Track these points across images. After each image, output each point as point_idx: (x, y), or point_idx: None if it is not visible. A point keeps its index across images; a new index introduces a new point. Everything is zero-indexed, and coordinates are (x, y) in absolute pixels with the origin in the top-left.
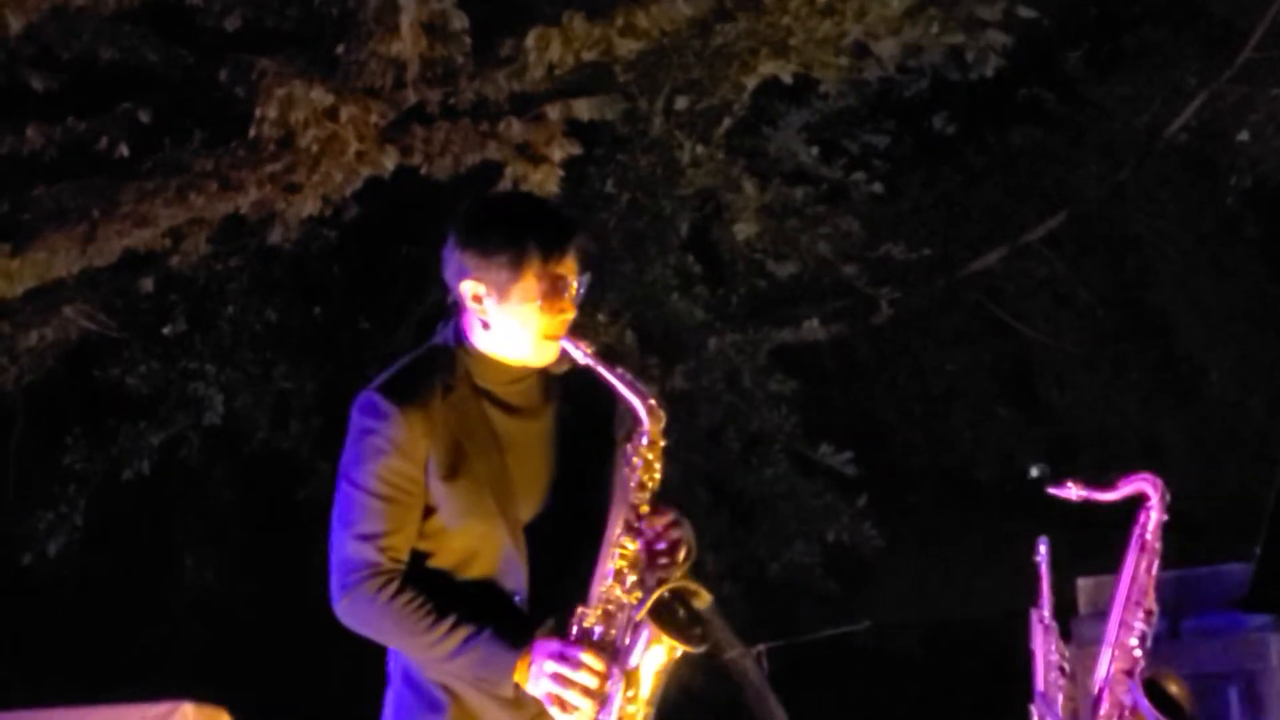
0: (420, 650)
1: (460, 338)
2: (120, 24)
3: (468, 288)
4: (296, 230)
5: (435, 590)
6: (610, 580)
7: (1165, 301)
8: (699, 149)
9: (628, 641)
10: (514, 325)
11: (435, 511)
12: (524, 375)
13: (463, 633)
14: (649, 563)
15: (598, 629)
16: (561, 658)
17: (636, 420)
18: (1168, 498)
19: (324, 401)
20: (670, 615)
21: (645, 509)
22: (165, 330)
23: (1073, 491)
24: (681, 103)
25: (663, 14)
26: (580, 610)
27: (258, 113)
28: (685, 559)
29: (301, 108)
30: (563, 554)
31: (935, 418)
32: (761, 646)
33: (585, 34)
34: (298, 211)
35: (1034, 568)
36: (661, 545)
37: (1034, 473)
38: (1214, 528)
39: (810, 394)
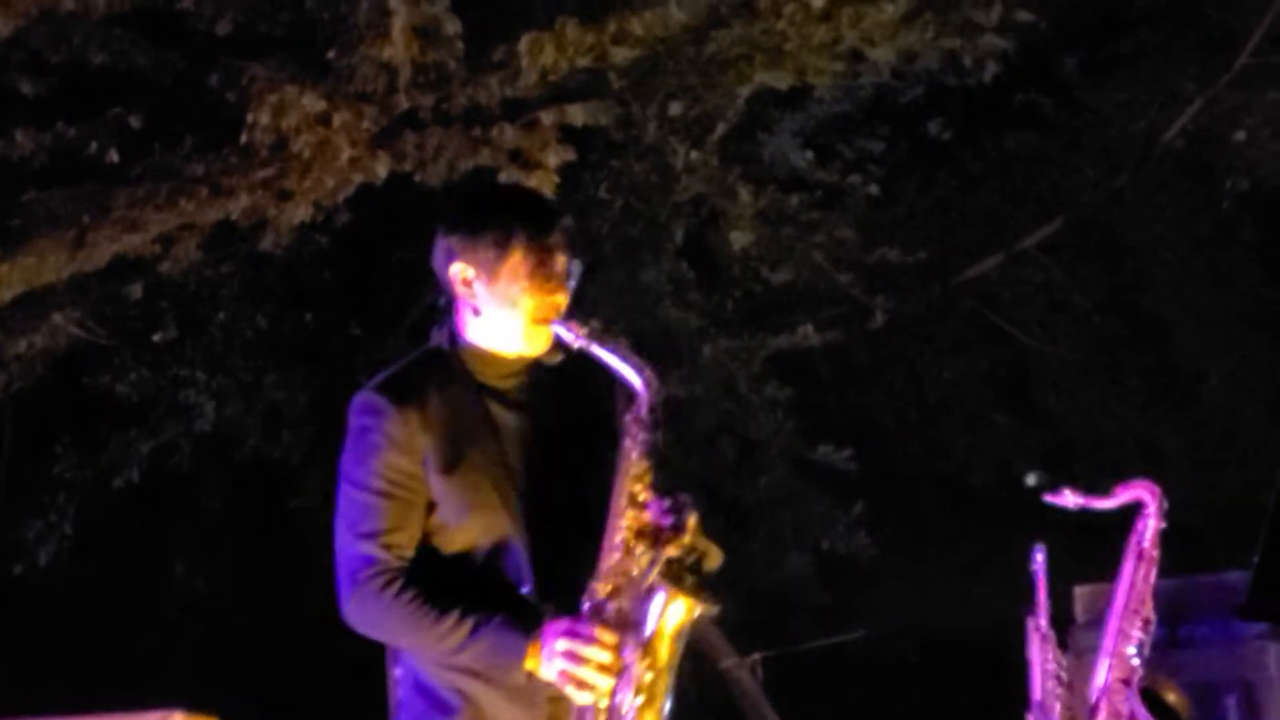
0: (429, 645)
1: (454, 338)
2: (110, 28)
3: (457, 271)
4: (288, 237)
5: (441, 585)
6: (618, 553)
7: (1162, 307)
8: (693, 155)
9: (641, 610)
10: (504, 308)
11: (437, 507)
12: (519, 368)
13: (471, 623)
14: (656, 532)
15: (610, 605)
16: (573, 634)
17: (634, 393)
18: (1165, 505)
19: (315, 409)
20: (682, 576)
21: (648, 480)
22: (155, 337)
23: (1069, 499)
24: (676, 108)
25: (656, 20)
26: (591, 586)
27: (249, 118)
28: (693, 525)
29: (293, 113)
30: (567, 544)
31: (931, 424)
32: (757, 655)
33: (579, 40)
34: (289, 218)
35: (1031, 575)
36: (667, 515)
37: (1031, 480)
38: (1212, 535)
39: (806, 401)
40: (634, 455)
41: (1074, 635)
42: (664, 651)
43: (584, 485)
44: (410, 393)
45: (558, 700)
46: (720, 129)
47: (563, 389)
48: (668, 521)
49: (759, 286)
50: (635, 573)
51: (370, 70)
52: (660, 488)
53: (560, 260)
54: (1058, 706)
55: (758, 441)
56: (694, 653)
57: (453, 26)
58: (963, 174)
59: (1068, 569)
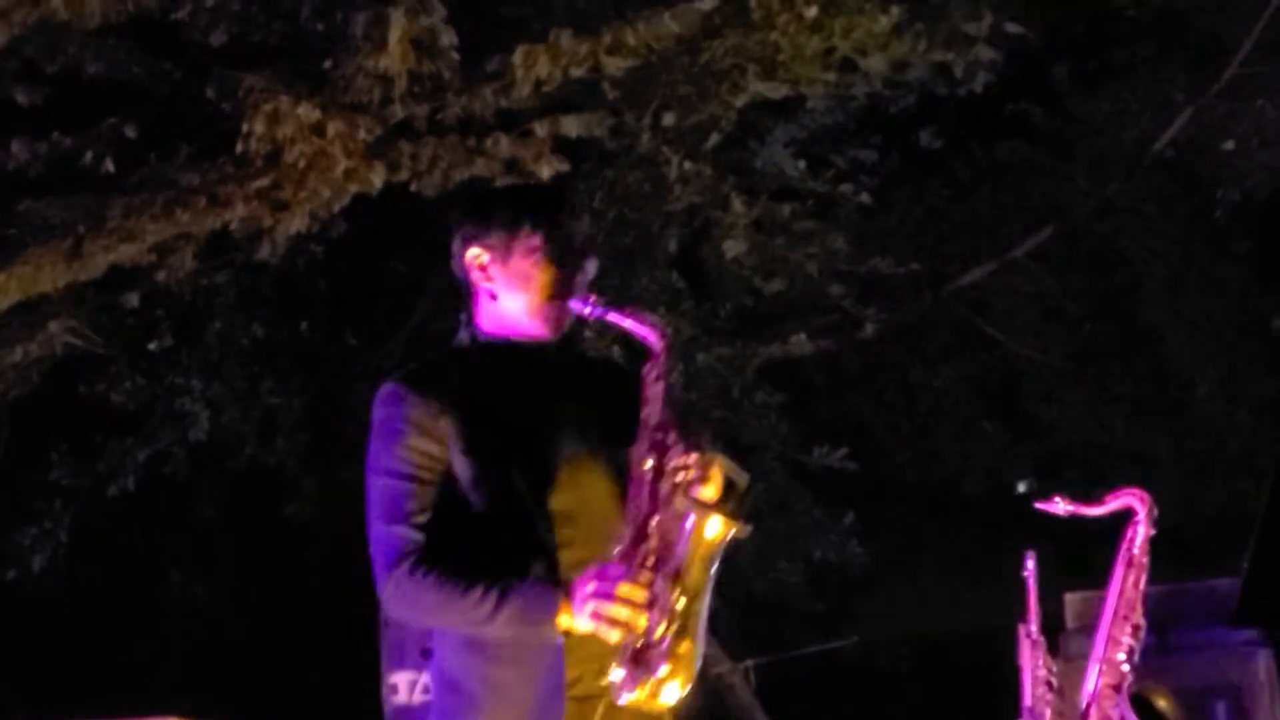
0: (464, 615)
1: (475, 334)
2: (106, 38)
3: (472, 257)
4: (284, 246)
5: (471, 564)
6: (645, 496)
7: (1153, 316)
8: (686, 165)
9: (671, 540)
10: (519, 287)
11: (462, 488)
12: (539, 354)
13: (500, 588)
14: (680, 467)
15: (640, 546)
16: (601, 576)
17: (650, 350)
18: (1155, 513)
19: (311, 417)
20: (708, 497)
21: (670, 426)
22: (151, 346)
23: (1060, 506)
24: (669, 118)
25: (651, 31)
26: (620, 532)
27: (244, 128)
28: (716, 455)
29: (288, 124)
30: (592, 524)
31: (923, 432)
32: (749, 662)
33: (573, 51)
34: (285, 228)
35: (1022, 582)
36: (689, 451)
37: (1021, 488)
38: (1202, 542)
39: (798, 409)
40: (653, 403)
41: (1065, 641)
42: (697, 577)
43: (608, 466)
44: (430, 380)
45: (588, 699)
46: (713, 139)
47: (585, 376)
48: (690, 454)
49: (752, 296)
50: (662, 507)
51: (366, 81)
52: (682, 434)
53: (574, 238)
54: (1048, 712)
55: (750, 449)
56: None
57: (448, 38)
58: (954, 183)
59: (1059, 576)
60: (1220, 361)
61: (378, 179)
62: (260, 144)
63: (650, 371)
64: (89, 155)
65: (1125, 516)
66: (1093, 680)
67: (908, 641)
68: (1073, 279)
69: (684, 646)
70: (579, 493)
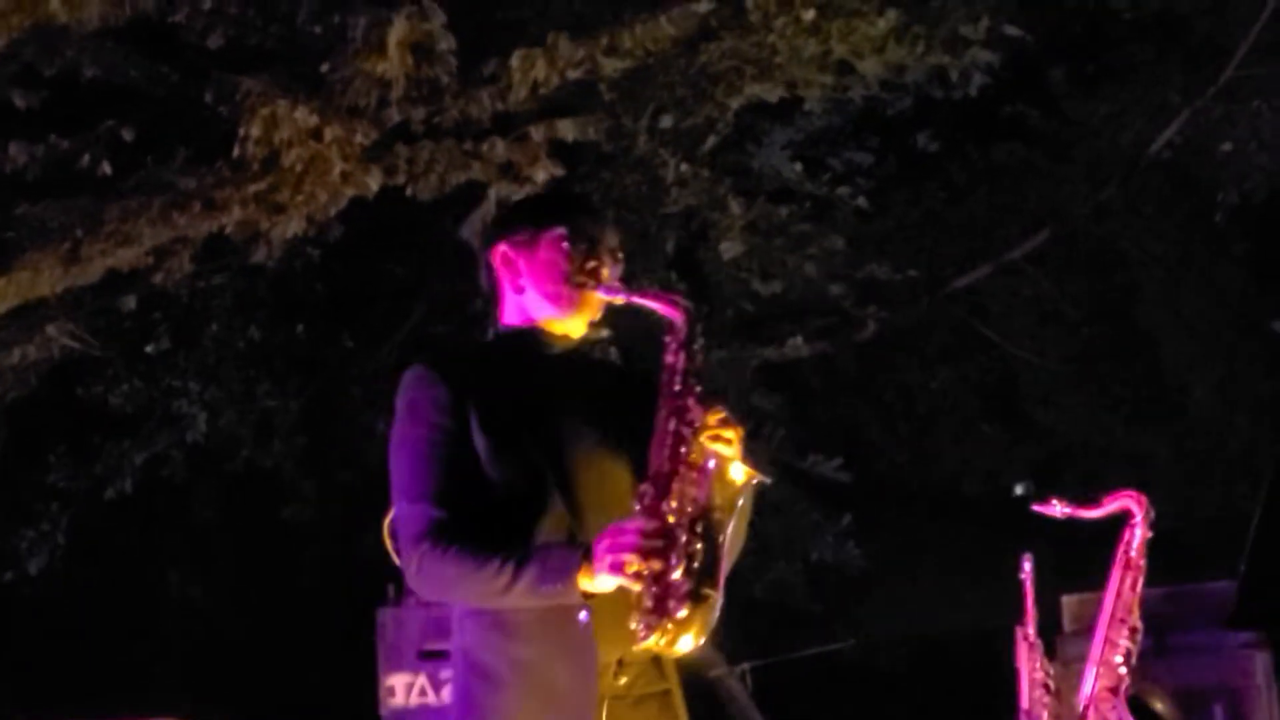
0: (484, 585)
1: (498, 330)
2: (103, 41)
3: (499, 252)
4: (280, 249)
5: (492, 540)
6: (666, 456)
7: (1150, 318)
8: (683, 167)
9: (692, 490)
10: (545, 275)
11: (484, 466)
12: (564, 344)
13: (518, 556)
14: (702, 425)
15: (661, 504)
16: (618, 530)
17: (673, 323)
18: (1152, 515)
19: (307, 420)
20: (729, 446)
21: (693, 395)
22: (148, 348)
23: (1057, 509)
24: (666, 121)
25: (647, 33)
26: (640, 489)
27: (241, 132)
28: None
29: (285, 127)
30: (611, 506)
31: (920, 434)
32: (746, 664)
33: (570, 54)
34: (282, 231)
35: (1019, 584)
36: (708, 410)
37: (1019, 490)
38: (1199, 545)
39: (796, 411)
40: (674, 371)
41: (1062, 644)
42: (719, 521)
43: (628, 451)
44: (454, 363)
45: (623, 664)
46: (711, 141)
47: (599, 377)
48: (711, 412)
49: (749, 298)
50: (683, 465)
51: (363, 85)
52: (701, 398)
53: (597, 233)
54: (1045, 715)
55: (747, 451)
56: (683, 662)
57: (447, 42)
58: (951, 186)
59: (1056, 578)
60: (1218, 364)
61: (374, 182)
62: (257, 148)
63: (671, 341)
64: (86, 158)
65: (1122, 519)
66: (1090, 682)
67: (905, 643)
68: (1070, 281)
69: (704, 591)
70: (600, 483)
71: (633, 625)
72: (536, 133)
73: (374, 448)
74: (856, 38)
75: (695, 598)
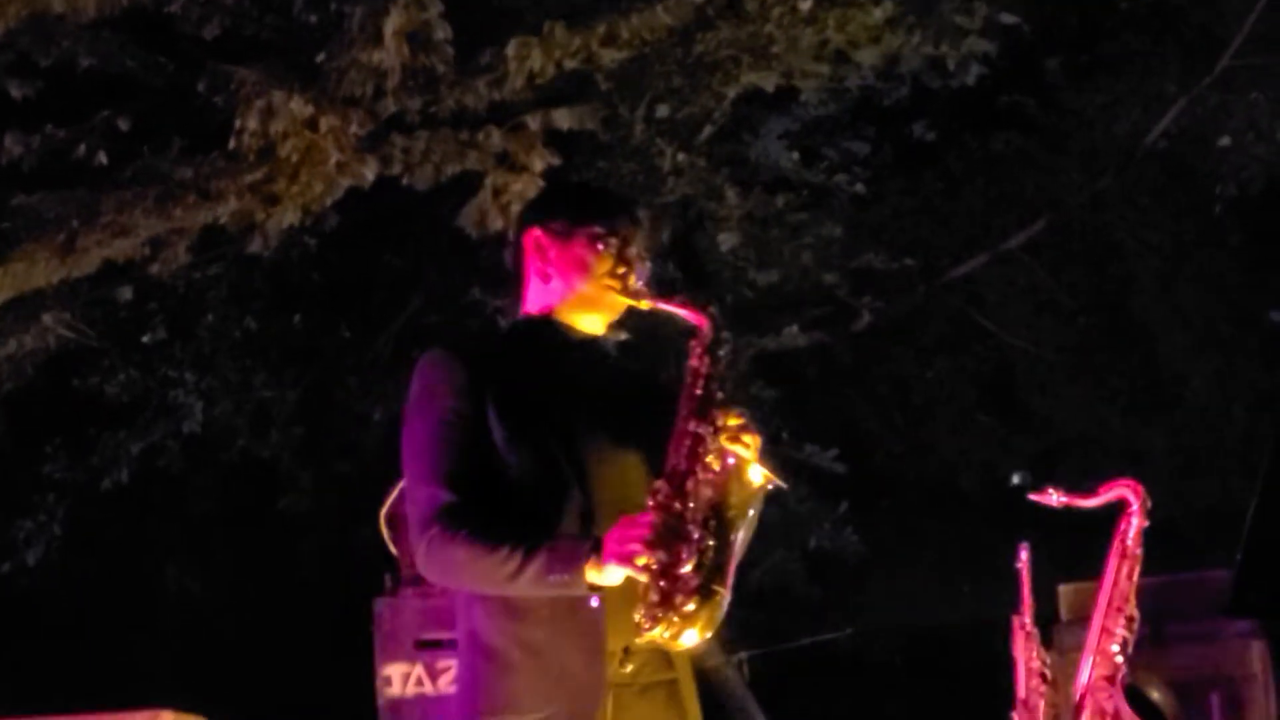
0: (493, 571)
1: (516, 314)
2: (99, 31)
3: (532, 236)
4: (276, 239)
5: (504, 525)
6: (684, 453)
7: (1146, 308)
8: (680, 156)
9: (705, 488)
10: (574, 270)
11: (499, 452)
12: (582, 338)
13: (527, 545)
14: (721, 427)
15: (675, 503)
16: (628, 523)
17: (698, 330)
18: (1149, 504)
19: (304, 410)
20: (746, 447)
21: (715, 399)
22: (145, 339)
23: (1054, 498)
24: (663, 110)
25: (644, 23)
26: (655, 485)
27: (237, 123)
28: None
29: (281, 118)
30: (624, 501)
31: (917, 424)
32: (743, 654)
33: (566, 43)
34: (278, 221)
35: (1015, 574)
36: (726, 415)
37: (1015, 480)
38: (1196, 534)
39: (792, 401)
40: (697, 375)
41: (1058, 633)
42: (732, 521)
43: (645, 446)
44: (472, 349)
45: (629, 652)
46: (707, 131)
47: (615, 377)
48: (732, 415)
49: (745, 287)
50: (700, 464)
51: (359, 75)
52: (723, 402)
53: (634, 242)
54: (1042, 704)
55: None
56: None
57: (443, 31)
58: (947, 175)
59: (1052, 567)
60: (1214, 354)
61: (370, 172)
62: (253, 138)
63: (696, 346)
64: (82, 148)
65: (1119, 508)
66: (1086, 672)
67: (902, 633)
68: (1067, 271)
69: (713, 588)
70: (614, 477)
71: (637, 617)
72: (533, 122)
73: (371, 438)
74: (853, 27)
75: (703, 593)
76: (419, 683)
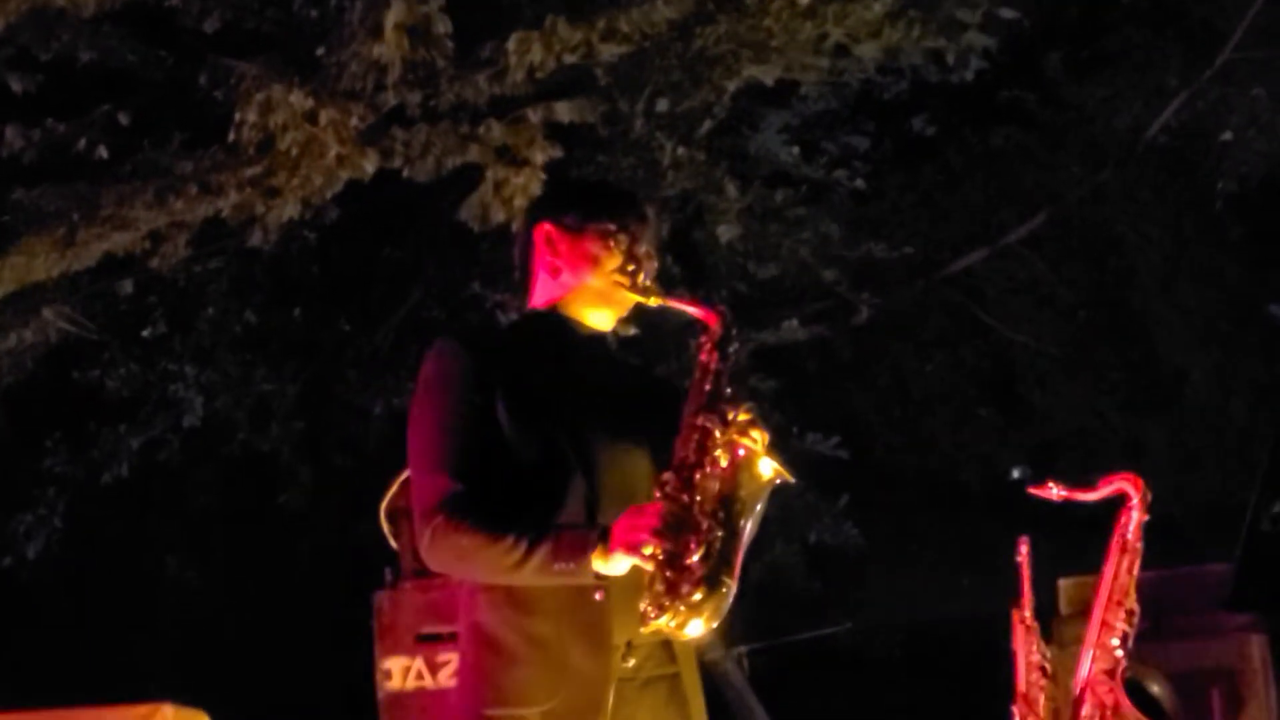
0: (498, 559)
1: (524, 308)
2: (100, 26)
3: (542, 231)
4: (276, 233)
5: (510, 515)
6: (692, 446)
7: (1146, 303)
8: (680, 151)
9: (713, 480)
10: (584, 265)
11: (507, 442)
12: (589, 333)
13: (532, 534)
14: (729, 420)
15: (683, 495)
16: (636, 512)
17: (708, 326)
18: (1149, 498)
19: (304, 403)
20: (756, 439)
21: (724, 394)
22: (145, 332)
23: (1054, 492)
24: (662, 104)
25: (644, 17)
26: (664, 477)
27: (237, 117)
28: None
29: (281, 112)
30: (630, 495)
31: (916, 419)
32: (743, 648)
33: (566, 37)
34: (278, 215)
35: (1015, 568)
36: (735, 408)
37: (1015, 474)
38: (1196, 528)
39: (791, 395)
40: (706, 371)
41: (1058, 627)
42: (740, 513)
43: (647, 452)
44: (481, 339)
45: (632, 646)
46: (707, 125)
47: (630, 371)
48: (742, 410)
49: (745, 281)
50: (708, 458)
51: (359, 68)
52: (732, 398)
53: (644, 241)
54: (1042, 698)
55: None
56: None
57: (443, 25)
58: (947, 170)
59: (1052, 561)
60: (1213, 348)
61: (370, 165)
62: (253, 132)
63: (706, 341)
64: (83, 142)
65: (1119, 502)
66: (1086, 666)
67: (902, 627)
68: (1066, 266)
69: (720, 579)
70: (620, 472)
71: (642, 606)
72: (534, 115)
73: (371, 431)
74: (853, 21)
75: (710, 583)
76: (419, 676)
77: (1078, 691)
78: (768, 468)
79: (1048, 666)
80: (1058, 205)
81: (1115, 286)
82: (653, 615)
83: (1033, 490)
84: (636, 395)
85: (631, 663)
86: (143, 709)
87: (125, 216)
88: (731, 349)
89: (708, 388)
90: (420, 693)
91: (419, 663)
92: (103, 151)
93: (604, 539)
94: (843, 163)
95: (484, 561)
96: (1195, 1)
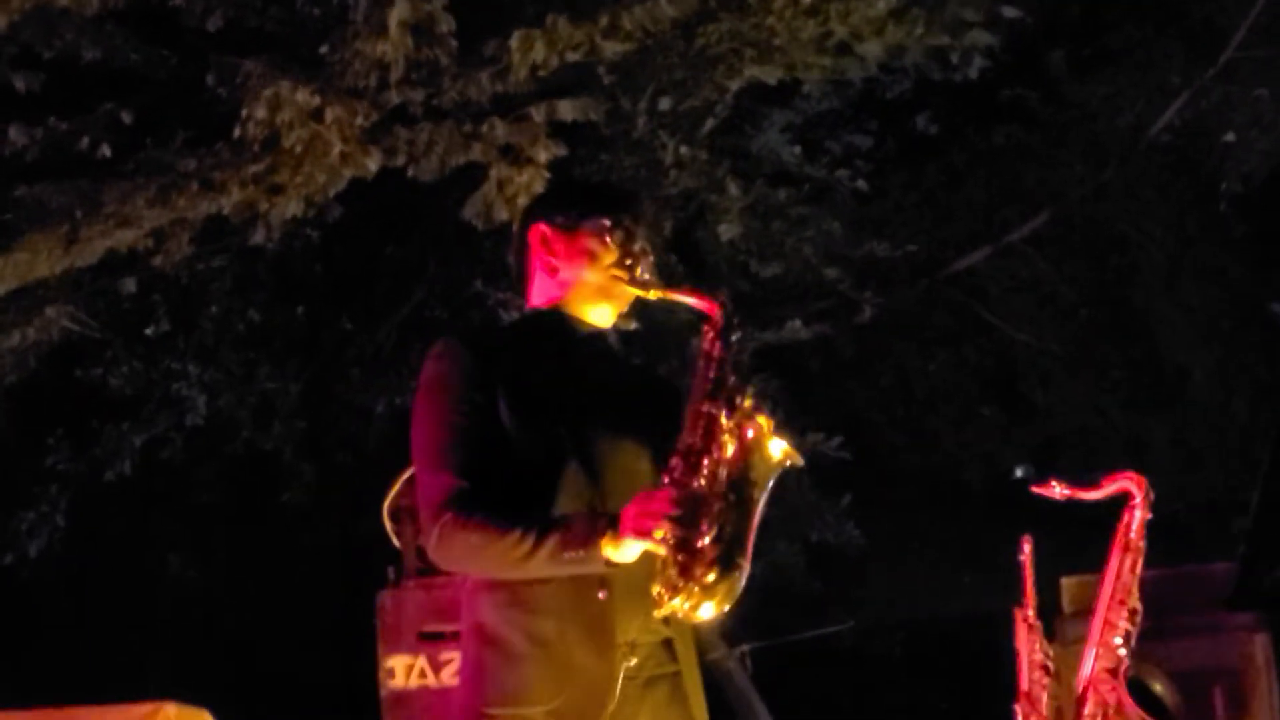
0: (508, 552)
1: (523, 308)
2: (102, 24)
3: (537, 231)
4: (280, 231)
5: (515, 511)
6: (699, 437)
7: (1149, 301)
8: (682, 149)
9: (722, 463)
10: (581, 261)
11: (510, 440)
12: (589, 330)
13: (540, 525)
14: (735, 404)
15: (691, 479)
16: (646, 497)
17: (710, 316)
18: (1152, 497)
19: (307, 402)
20: (763, 420)
21: (728, 382)
22: (148, 330)
23: (1057, 490)
24: (665, 103)
25: (647, 15)
26: (671, 463)
27: (244, 113)
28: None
29: (288, 109)
30: (634, 491)
31: (919, 417)
32: (745, 647)
33: (569, 35)
34: (281, 213)
35: (1018, 567)
36: (742, 395)
37: (1018, 472)
38: (1198, 527)
39: (794, 394)
40: (709, 360)
41: (1061, 626)
42: (750, 495)
43: (649, 449)
44: (482, 338)
45: (633, 645)
46: (709, 124)
47: (631, 369)
48: (748, 395)
49: (747, 280)
50: (714, 440)
51: (362, 66)
52: (737, 385)
53: (638, 233)
54: (1045, 697)
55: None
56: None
57: (447, 23)
58: (950, 168)
59: (1055, 560)
60: (1216, 346)
61: (373, 164)
62: (258, 128)
63: (709, 330)
64: (85, 140)
65: (1122, 501)
66: (1089, 664)
67: (904, 626)
68: (1069, 264)
69: (734, 560)
70: (623, 468)
71: (655, 590)
72: (537, 113)
73: (373, 430)
74: (856, 19)
75: (724, 564)
76: (422, 675)
77: (1080, 690)
78: (777, 448)
79: (1050, 665)
80: (1060, 204)
81: (1118, 285)
82: (667, 597)
83: (1036, 489)
84: (638, 393)
85: (633, 662)
86: (145, 708)
87: (128, 214)
88: (734, 337)
89: (712, 375)
90: (423, 691)
91: (422, 661)
92: (106, 150)
93: (613, 525)
94: (845, 162)
95: (494, 555)
96: (1197, 0)
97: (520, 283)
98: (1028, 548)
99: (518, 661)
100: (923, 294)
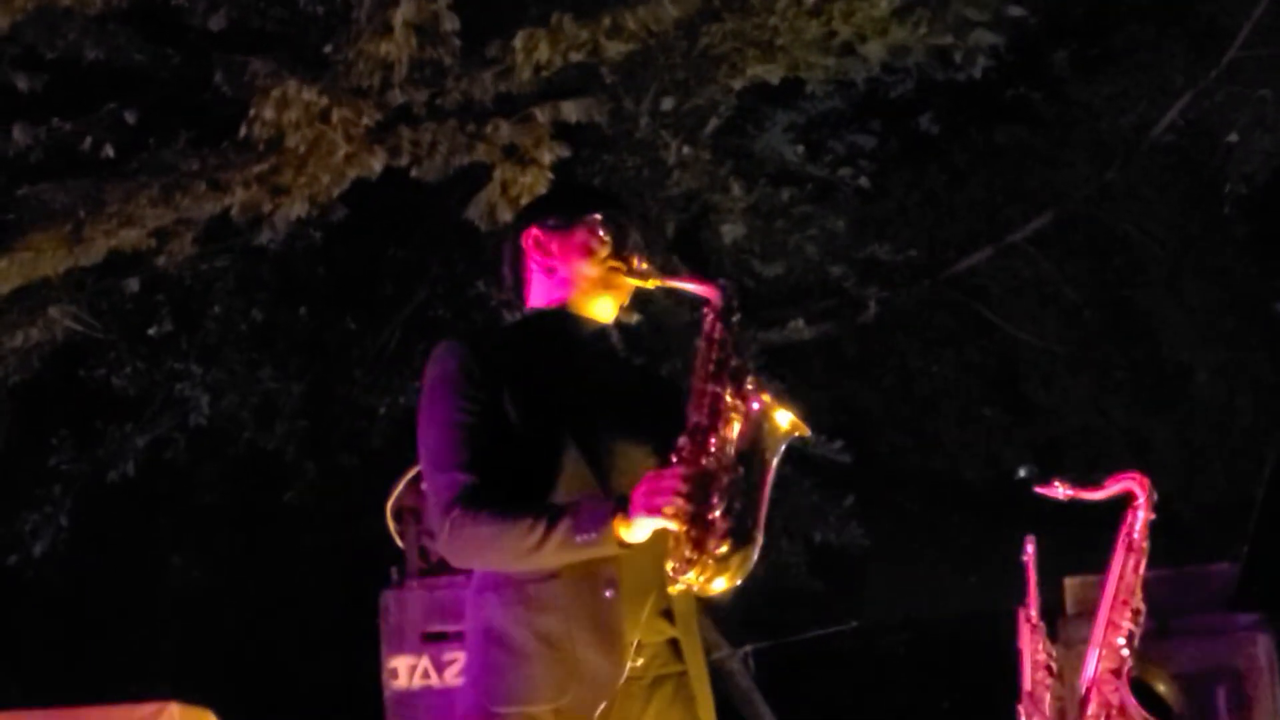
0: (519, 542)
1: (524, 310)
2: (105, 24)
3: (531, 236)
4: (283, 231)
5: (522, 504)
6: (705, 416)
7: (1152, 301)
8: (685, 149)
9: (730, 439)
10: (578, 256)
11: (515, 438)
12: (591, 328)
13: (550, 513)
14: (740, 380)
15: (700, 458)
16: (656, 475)
17: (710, 301)
18: (1155, 497)
19: (310, 402)
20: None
21: (731, 362)
22: (151, 331)
23: (1060, 491)
24: (668, 103)
25: (650, 15)
26: (679, 442)
27: (251, 113)
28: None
29: (295, 109)
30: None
31: (922, 417)
32: (749, 647)
33: (573, 35)
34: (285, 213)
35: (1021, 567)
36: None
37: (1021, 473)
38: (1202, 527)
39: (796, 394)
40: (711, 343)
41: (1064, 626)
42: (759, 468)
43: (651, 441)
44: (484, 339)
45: (639, 645)
46: (712, 124)
47: (633, 368)
48: (745, 376)
49: (750, 280)
50: (720, 418)
51: (366, 66)
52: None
53: (630, 228)
54: (1048, 697)
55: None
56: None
57: (451, 23)
58: (953, 168)
59: (1058, 560)
60: (1219, 347)
61: (377, 164)
62: (264, 128)
63: (709, 313)
64: (89, 140)
65: (1125, 501)
66: (1092, 665)
67: (907, 626)
68: (1072, 264)
69: (748, 531)
70: (627, 464)
71: (669, 565)
72: (541, 114)
73: (376, 430)
74: (859, 19)
75: (737, 536)
76: (425, 675)
77: (1083, 691)
78: (785, 419)
79: (1053, 665)
80: (1063, 204)
81: (1121, 285)
82: (680, 572)
83: (1039, 489)
84: (640, 393)
85: (639, 662)
86: (149, 708)
87: (131, 213)
88: (734, 319)
89: (715, 356)
90: (426, 691)
91: (425, 661)
92: (109, 150)
93: (623, 506)
94: (848, 161)
95: (505, 546)
96: (1201, 0)
97: (517, 291)
98: (1031, 548)
99: (525, 660)
100: (925, 294)
